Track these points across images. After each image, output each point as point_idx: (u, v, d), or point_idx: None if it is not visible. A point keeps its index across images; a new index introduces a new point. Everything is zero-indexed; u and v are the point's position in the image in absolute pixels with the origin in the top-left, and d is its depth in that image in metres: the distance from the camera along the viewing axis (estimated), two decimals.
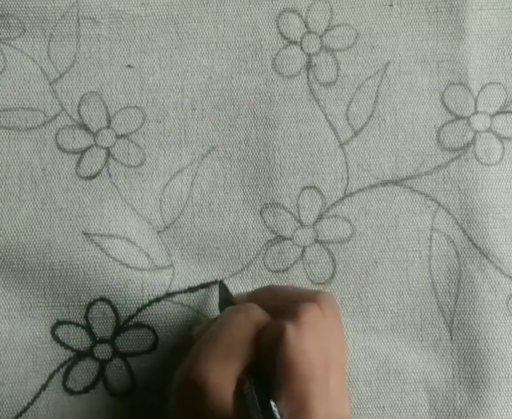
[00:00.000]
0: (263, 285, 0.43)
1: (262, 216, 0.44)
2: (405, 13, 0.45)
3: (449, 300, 0.43)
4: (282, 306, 0.35)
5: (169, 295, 0.42)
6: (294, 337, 0.33)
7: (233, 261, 0.43)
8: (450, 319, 0.43)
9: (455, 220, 0.44)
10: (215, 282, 0.43)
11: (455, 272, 0.43)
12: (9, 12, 0.43)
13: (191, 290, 0.43)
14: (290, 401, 0.32)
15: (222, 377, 0.33)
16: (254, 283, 0.43)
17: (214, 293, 0.43)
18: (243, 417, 0.32)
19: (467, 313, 0.43)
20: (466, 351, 0.43)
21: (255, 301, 0.37)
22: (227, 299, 0.41)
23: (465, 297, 0.43)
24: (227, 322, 0.35)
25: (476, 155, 0.44)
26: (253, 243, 0.43)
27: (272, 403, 0.32)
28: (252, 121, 0.44)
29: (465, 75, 0.45)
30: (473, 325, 0.43)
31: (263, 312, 0.36)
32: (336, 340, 0.35)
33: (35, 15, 0.43)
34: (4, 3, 0.43)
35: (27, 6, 0.43)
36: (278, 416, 0.32)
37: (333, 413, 0.33)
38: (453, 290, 0.43)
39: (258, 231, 0.44)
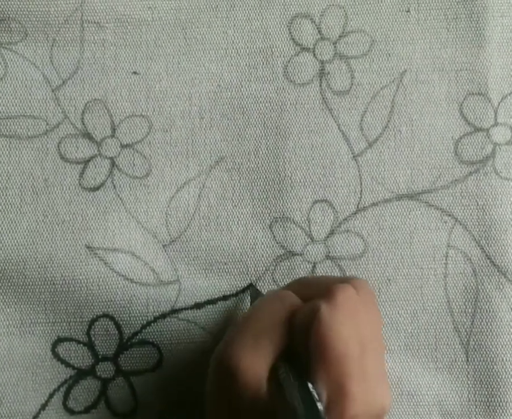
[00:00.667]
0: None
1: (271, 231, 0.43)
2: (422, 19, 0.44)
3: (465, 320, 0.42)
4: (315, 293, 0.35)
5: (174, 311, 0.42)
6: (328, 315, 0.32)
7: (241, 276, 0.42)
8: (466, 339, 0.42)
9: (472, 237, 0.43)
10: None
11: (472, 290, 0.43)
12: (11, 16, 0.42)
13: (198, 306, 0.42)
14: (326, 383, 0.32)
15: (255, 361, 0.32)
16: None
17: (246, 299, 0.42)
18: (279, 403, 0.32)
19: (484, 334, 0.42)
20: (482, 373, 0.42)
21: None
22: (258, 297, 0.40)
23: (482, 317, 0.42)
24: (261, 307, 0.35)
25: (495, 169, 0.43)
26: (262, 258, 0.43)
27: (310, 385, 0.31)
28: (262, 131, 0.43)
29: (484, 85, 0.44)
30: (491, 346, 0.42)
31: (297, 298, 0.35)
32: (372, 322, 0.35)
33: (37, 19, 0.42)
34: (5, 6, 0.42)
35: (29, 9, 0.42)
36: (317, 398, 0.31)
37: (371, 397, 0.33)
38: (470, 310, 0.42)
39: (267, 246, 0.43)
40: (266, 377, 0.32)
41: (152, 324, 0.41)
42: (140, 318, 0.41)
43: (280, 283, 0.42)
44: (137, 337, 0.41)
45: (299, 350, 0.33)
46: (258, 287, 0.42)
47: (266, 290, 0.42)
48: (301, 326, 0.33)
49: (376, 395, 0.33)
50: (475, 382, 0.42)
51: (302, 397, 0.31)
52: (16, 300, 0.41)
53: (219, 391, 0.34)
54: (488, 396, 0.41)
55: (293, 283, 0.39)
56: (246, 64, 0.43)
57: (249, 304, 0.42)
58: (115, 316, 0.41)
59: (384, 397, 0.34)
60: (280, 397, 0.32)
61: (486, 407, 0.41)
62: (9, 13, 0.42)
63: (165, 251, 0.42)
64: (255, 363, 0.32)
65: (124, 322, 0.41)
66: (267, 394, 0.32)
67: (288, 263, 0.42)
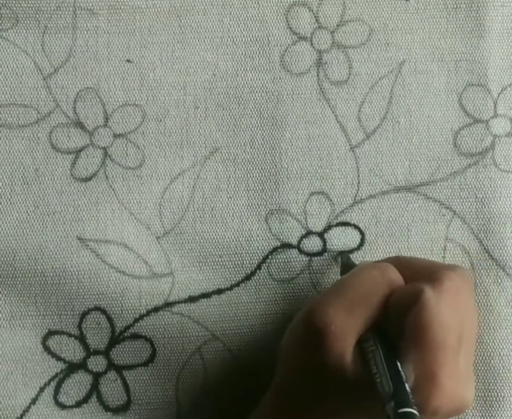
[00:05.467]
0: (268, 295, 0.42)
1: (267, 223, 0.42)
2: (422, 8, 0.43)
3: None
4: (417, 275, 0.34)
5: (168, 305, 0.41)
6: (433, 300, 0.32)
7: (236, 269, 0.42)
8: None
9: (471, 230, 0.42)
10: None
11: None
12: (1, 2, 0.41)
13: (192, 299, 0.41)
14: (418, 367, 0.31)
15: (344, 326, 0.32)
16: (258, 293, 0.42)
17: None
18: (364, 374, 0.32)
19: (481, 328, 0.41)
20: (479, 367, 0.41)
21: None
22: (350, 265, 0.39)
23: (479, 311, 0.42)
24: (360, 274, 0.35)
25: (494, 161, 0.43)
26: (258, 251, 0.42)
27: (398, 364, 0.31)
28: (258, 122, 0.42)
29: (484, 76, 0.43)
30: (488, 341, 0.41)
31: (399, 275, 0.34)
32: (471, 315, 0.35)
33: (28, 5, 0.42)
34: None
35: None
36: (404, 378, 0.31)
37: (458, 392, 0.32)
38: None
39: (262, 238, 0.42)
40: (353, 344, 0.32)
41: (145, 317, 0.41)
42: (132, 311, 0.41)
43: (275, 277, 0.42)
44: (129, 330, 0.41)
45: (392, 329, 0.32)
46: (254, 281, 0.42)
47: (261, 284, 0.42)
48: (400, 305, 0.32)
49: (463, 391, 0.33)
50: None
51: (390, 373, 0.31)
52: (5, 292, 0.40)
53: (301, 347, 0.33)
54: (485, 391, 0.41)
55: (391, 259, 0.38)
56: (242, 53, 0.43)
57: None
58: (107, 309, 0.40)
59: (469, 394, 0.34)
60: (366, 368, 0.32)
61: (483, 402, 0.41)
62: None
63: (158, 243, 0.41)
64: (346, 327, 0.32)
65: (116, 315, 0.41)
66: (352, 362, 0.32)
67: (284, 256, 0.42)
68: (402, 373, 0.31)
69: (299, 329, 0.34)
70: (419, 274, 0.34)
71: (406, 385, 0.31)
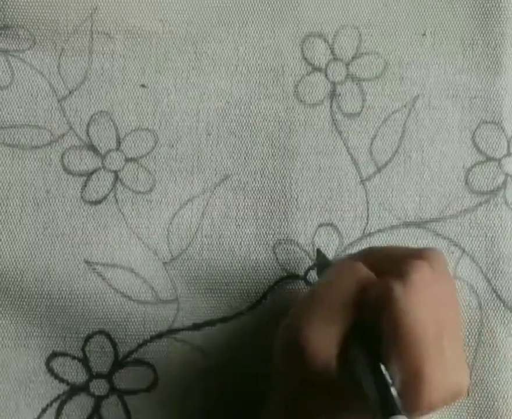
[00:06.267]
0: (273, 324, 0.40)
1: (274, 253, 0.42)
2: (438, 43, 0.43)
3: (468, 354, 0.41)
4: (387, 266, 0.34)
5: (171, 331, 0.41)
6: (403, 296, 0.31)
7: (242, 298, 0.41)
8: None
9: (479, 269, 0.42)
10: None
11: (476, 324, 0.42)
12: (19, 23, 0.42)
13: (196, 327, 0.41)
14: (401, 367, 0.31)
15: (324, 337, 0.32)
16: (264, 323, 0.41)
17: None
18: (349, 383, 0.31)
19: (486, 369, 0.41)
20: (483, 409, 0.41)
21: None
22: (325, 264, 0.39)
23: (485, 351, 0.41)
24: (330, 278, 0.34)
25: (506, 200, 0.42)
26: (264, 281, 0.42)
27: (382, 367, 0.30)
28: (270, 151, 0.42)
29: (499, 114, 0.43)
30: (492, 382, 0.41)
31: (368, 271, 0.34)
32: (448, 302, 0.34)
33: (46, 27, 0.42)
34: (14, 13, 0.42)
35: (38, 17, 0.42)
36: (390, 381, 0.30)
37: (449, 380, 0.32)
38: (473, 344, 0.41)
39: (269, 268, 0.42)
40: (335, 354, 0.32)
41: (149, 343, 0.41)
42: (136, 337, 0.40)
43: (282, 307, 0.41)
44: (133, 355, 0.40)
45: (370, 329, 0.32)
46: (259, 310, 0.41)
47: (267, 314, 0.41)
48: (373, 305, 0.32)
49: (454, 378, 0.32)
50: (475, 418, 0.41)
51: (375, 379, 0.30)
52: (11, 312, 0.40)
53: (286, 367, 0.33)
54: None
55: (364, 252, 0.38)
56: (256, 82, 0.43)
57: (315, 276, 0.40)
58: (111, 333, 0.40)
59: (461, 379, 0.33)
60: (351, 376, 0.31)
61: None
62: (18, 20, 0.42)
63: (165, 269, 0.41)
64: (324, 339, 0.32)
65: (120, 340, 0.40)
66: (336, 372, 0.31)
67: (291, 287, 0.42)
68: (388, 377, 0.30)
69: (280, 348, 0.34)
70: (390, 266, 0.33)
71: (393, 389, 0.30)
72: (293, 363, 0.33)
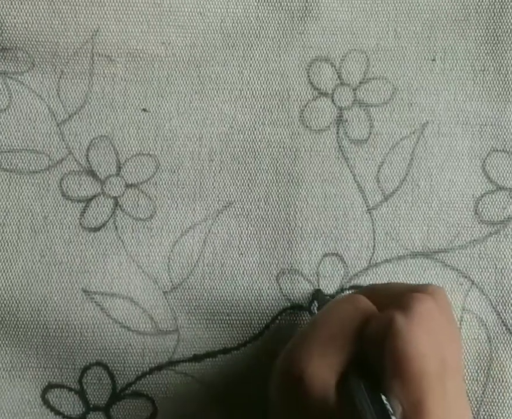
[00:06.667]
0: (276, 356, 0.40)
1: (278, 282, 0.41)
2: (448, 69, 0.42)
3: (476, 388, 0.41)
4: (389, 300, 0.33)
5: (171, 363, 0.40)
6: (405, 327, 0.30)
7: (244, 328, 0.41)
8: (476, 409, 0.41)
9: (489, 302, 0.41)
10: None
11: (485, 358, 0.41)
12: (18, 45, 0.41)
13: (196, 358, 0.40)
14: (403, 399, 0.30)
15: (322, 369, 0.31)
16: (266, 354, 0.40)
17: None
18: (349, 414, 0.30)
19: (495, 404, 0.40)
20: None
21: None
22: (325, 301, 0.39)
23: (494, 386, 0.40)
24: (330, 310, 0.34)
25: None
26: (267, 311, 0.41)
27: (384, 398, 0.30)
28: (274, 178, 0.42)
29: (510, 142, 0.42)
30: (501, 418, 0.40)
31: (370, 304, 0.33)
32: (450, 337, 0.33)
33: (45, 50, 0.41)
34: (12, 35, 0.41)
35: (37, 39, 0.41)
36: (391, 411, 0.29)
37: (451, 414, 0.31)
38: (482, 378, 0.41)
39: (273, 298, 0.41)
40: (334, 385, 0.31)
41: (148, 376, 0.40)
42: (135, 369, 0.40)
43: (285, 338, 0.40)
44: (131, 388, 0.40)
45: (371, 362, 0.31)
46: (261, 341, 0.40)
47: (270, 345, 0.41)
48: (374, 337, 0.31)
49: (456, 411, 0.32)
50: None
51: (376, 411, 0.30)
52: (6, 342, 0.40)
53: (283, 398, 0.33)
54: None
55: (366, 288, 0.37)
56: (261, 107, 0.42)
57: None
58: (109, 364, 0.40)
59: (464, 414, 0.32)
60: (350, 408, 0.30)
61: None
62: (17, 42, 0.41)
63: (165, 298, 0.41)
64: (322, 370, 0.31)
65: (118, 372, 0.40)
66: (335, 404, 0.31)
67: (295, 318, 0.41)
68: (389, 408, 0.30)
69: (277, 379, 0.33)
70: (392, 300, 0.33)
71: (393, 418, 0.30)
72: (291, 394, 0.32)
